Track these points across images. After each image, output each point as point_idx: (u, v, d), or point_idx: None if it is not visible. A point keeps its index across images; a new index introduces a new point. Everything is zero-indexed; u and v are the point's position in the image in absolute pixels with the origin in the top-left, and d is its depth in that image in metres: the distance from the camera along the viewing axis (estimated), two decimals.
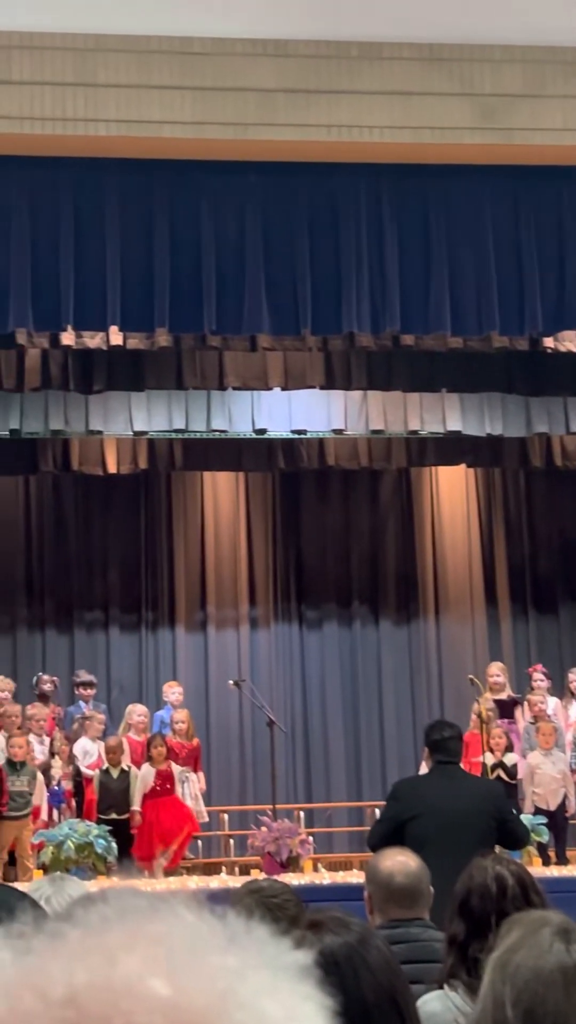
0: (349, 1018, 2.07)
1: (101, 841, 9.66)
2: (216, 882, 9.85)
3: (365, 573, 14.75)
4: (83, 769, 11.23)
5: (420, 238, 9.31)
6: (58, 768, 11.03)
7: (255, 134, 8.75)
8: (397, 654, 14.61)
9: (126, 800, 10.88)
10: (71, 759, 11.28)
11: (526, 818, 9.72)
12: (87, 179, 8.94)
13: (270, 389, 12.13)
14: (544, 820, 10.57)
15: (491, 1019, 1.51)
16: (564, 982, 1.64)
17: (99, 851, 9.58)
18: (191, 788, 11.37)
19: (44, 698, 12.07)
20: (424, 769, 9.50)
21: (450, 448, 13.71)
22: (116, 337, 10.32)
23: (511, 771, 11.00)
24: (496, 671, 12.35)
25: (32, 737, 11.12)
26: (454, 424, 12.95)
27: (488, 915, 3.25)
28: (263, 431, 12.86)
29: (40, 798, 10.66)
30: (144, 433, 12.77)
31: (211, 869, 11.29)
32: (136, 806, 10.82)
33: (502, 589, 14.83)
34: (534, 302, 9.41)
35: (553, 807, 10.91)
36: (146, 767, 10.95)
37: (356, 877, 9.14)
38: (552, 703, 11.96)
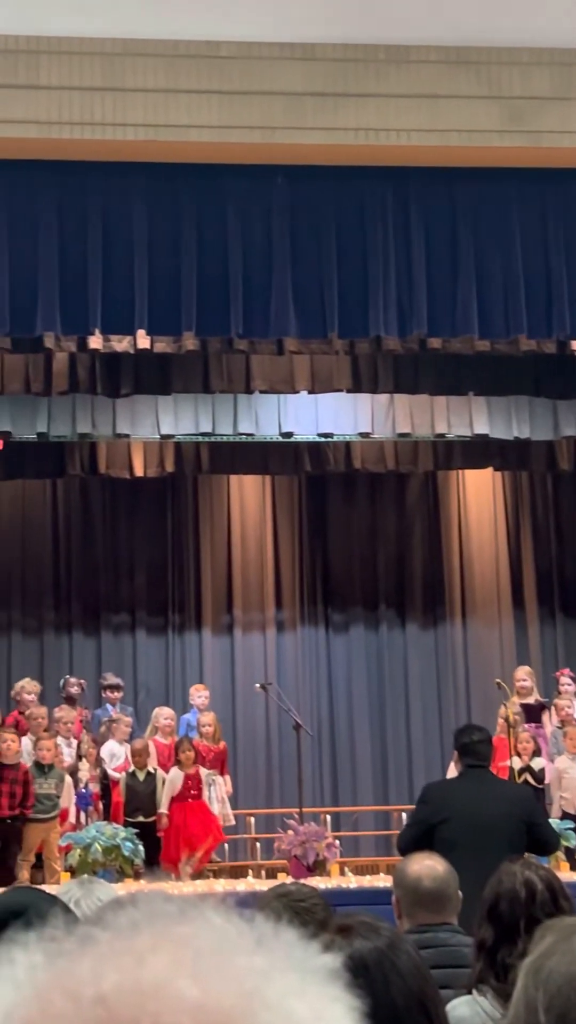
0: (378, 1023, 2.06)
1: (128, 844, 9.68)
2: (243, 885, 9.86)
3: (392, 576, 14.73)
4: (110, 772, 11.26)
5: (447, 241, 9.30)
6: (85, 771, 11.06)
7: (282, 138, 8.76)
8: (424, 658, 14.58)
9: (152, 803, 10.90)
10: (98, 762, 11.30)
11: (553, 823, 9.69)
12: (115, 183, 8.97)
13: (297, 392, 12.13)
14: (572, 825, 10.53)
15: None
16: None
17: (126, 854, 9.59)
18: (218, 791, 11.38)
19: (71, 701, 12.11)
20: (452, 773, 9.49)
21: (477, 451, 13.68)
22: (143, 341, 10.33)
23: (538, 775, 10.96)
24: (523, 675, 12.31)
25: (60, 740, 11.15)
26: (481, 427, 12.92)
27: (517, 920, 3.24)
28: (290, 434, 12.86)
29: (68, 801, 10.68)
30: (171, 436, 12.79)
31: (238, 872, 11.29)
32: (163, 809, 10.84)
33: (529, 592, 14.79)
34: (562, 305, 9.39)
35: None
36: (174, 771, 10.96)
37: (383, 881, 9.13)
38: None
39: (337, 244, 9.20)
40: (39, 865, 10.55)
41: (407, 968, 2.23)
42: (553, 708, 11.88)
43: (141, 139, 8.67)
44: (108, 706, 12.41)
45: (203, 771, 11.10)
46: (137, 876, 9.85)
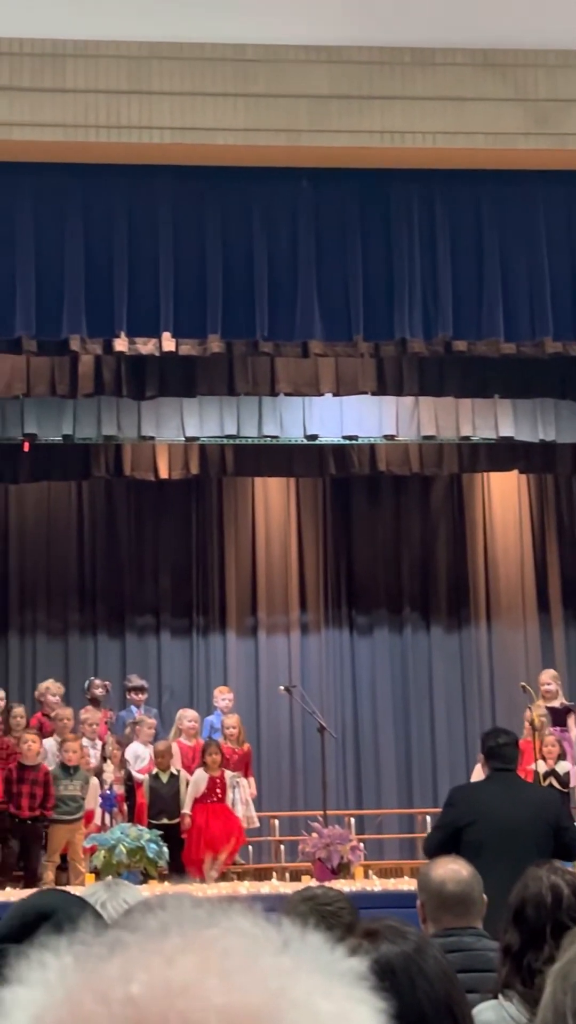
0: None
1: (153, 845, 9.69)
2: (267, 888, 9.86)
3: (416, 579, 14.71)
4: (134, 773, 11.28)
5: (473, 243, 9.29)
6: (110, 772, 11.08)
7: (308, 141, 8.77)
8: (448, 660, 14.56)
9: (176, 804, 10.91)
10: (123, 763, 11.33)
11: None
12: (141, 186, 8.99)
13: (322, 395, 12.13)
14: None
15: None
16: None
17: (151, 856, 9.61)
18: (242, 793, 11.38)
19: (95, 702, 12.13)
20: (477, 776, 9.48)
21: (502, 454, 13.65)
22: (169, 343, 10.35)
23: (563, 779, 10.93)
24: (548, 678, 12.28)
25: (85, 741, 11.18)
26: (506, 430, 12.90)
27: (543, 925, 3.23)
28: (314, 437, 12.86)
29: (92, 802, 10.71)
30: (196, 439, 12.81)
31: (262, 875, 11.29)
32: (187, 809, 10.85)
33: (554, 595, 14.74)
34: None
35: None
36: (199, 772, 10.97)
37: (407, 884, 9.12)
38: None
39: (362, 246, 9.19)
40: (64, 866, 10.58)
41: (434, 972, 2.23)
42: None
43: (167, 142, 8.69)
44: (132, 708, 12.43)
45: (228, 773, 11.10)
46: (162, 878, 9.86)
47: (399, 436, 13.02)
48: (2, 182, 8.85)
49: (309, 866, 10.31)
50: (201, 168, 8.96)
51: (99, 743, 11.41)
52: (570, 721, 11.88)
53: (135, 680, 12.75)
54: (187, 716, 11.88)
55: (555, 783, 10.71)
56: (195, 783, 10.92)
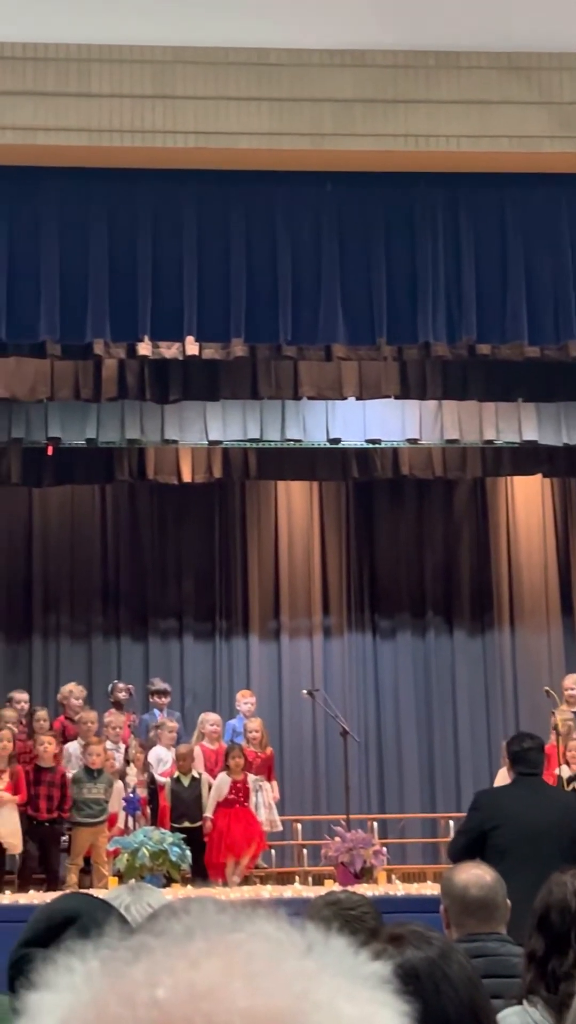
0: None
1: (175, 849, 9.69)
2: (290, 892, 9.85)
3: (439, 583, 14.69)
4: (157, 777, 11.29)
5: (497, 247, 9.27)
6: (133, 776, 11.09)
7: (332, 144, 8.77)
8: (471, 665, 14.53)
9: (198, 808, 10.92)
10: (145, 767, 11.34)
11: None
12: (164, 191, 9.00)
13: (345, 398, 12.13)
14: None
15: None
16: None
17: (173, 859, 9.61)
18: (265, 797, 11.38)
19: (119, 706, 12.15)
20: (500, 780, 9.46)
21: (526, 458, 13.62)
22: (192, 347, 10.38)
23: None
24: (572, 683, 12.22)
25: (109, 744, 11.20)
26: (530, 433, 12.88)
27: (567, 931, 3.21)
28: (337, 440, 12.87)
29: (116, 805, 10.72)
30: (219, 442, 12.83)
31: (284, 878, 11.29)
32: (209, 813, 10.85)
33: None
34: None
35: None
36: (222, 776, 10.98)
37: (430, 889, 9.10)
38: None
39: (386, 250, 9.18)
40: (87, 869, 10.60)
41: (459, 978, 2.22)
42: None
43: (191, 146, 8.70)
44: (155, 711, 12.44)
45: (250, 777, 11.11)
46: (184, 881, 9.87)
47: (422, 440, 13.01)
48: (27, 187, 8.88)
49: (332, 870, 10.30)
50: (225, 172, 8.97)
51: (122, 746, 11.43)
52: None
53: (158, 684, 12.76)
54: (209, 720, 11.88)
55: None
56: (218, 787, 10.93)
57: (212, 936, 0.75)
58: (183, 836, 10.07)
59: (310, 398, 12.09)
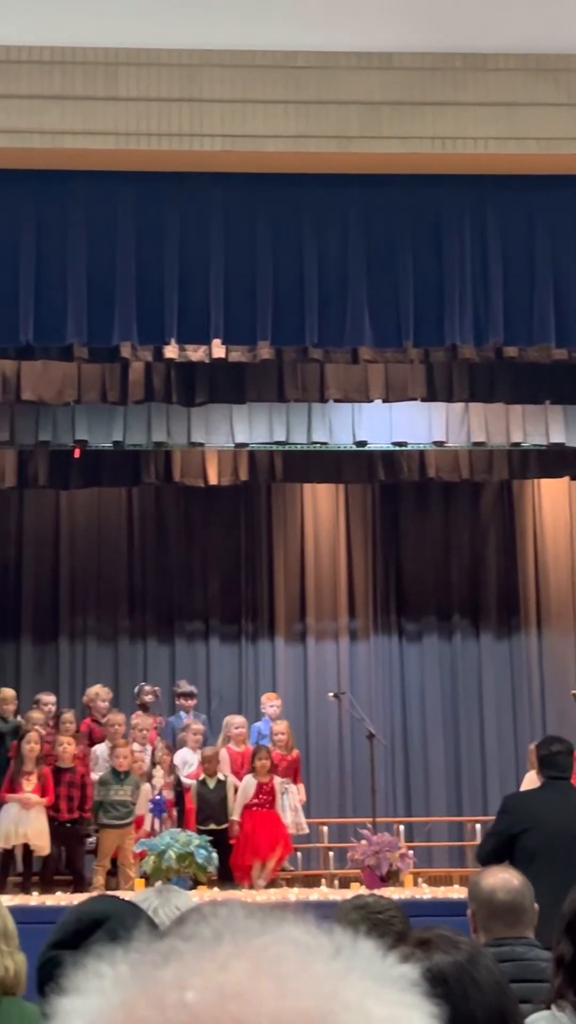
0: None
1: (202, 851, 9.70)
2: (316, 895, 9.85)
3: (465, 586, 14.67)
4: (183, 779, 11.30)
5: (524, 249, 9.25)
6: (159, 778, 11.11)
7: (359, 147, 8.76)
8: (498, 668, 14.49)
9: (223, 810, 10.92)
10: (172, 769, 11.36)
11: None
12: (191, 194, 9.01)
13: (371, 401, 12.13)
14: None
15: None
16: None
17: (200, 861, 9.61)
18: (291, 800, 11.38)
19: (145, 708, 12.17)
20: (527, 784, 9.43)
21: (553, 460, 13.57)
22: (219, 350, 10.39)
23: None
24: None
25: (136, 746, 11.22)
26: (557, 436, 12.84)
27: None
28: (363, 443, 12.86)
29: (143, 807, 10.74)
30: (245, 445, 12.84)
31: (311, 881, 11.29)
32: (235, 816, 10.86)
33: None
34: None
35: None
36: (248, 778, 10.98)
37: (456, 893, 9.08)
38: None
39: (413, 252, 9.17)
40: (113, 871, 10.62)
41: (487, 982, 2.21)
42: None
43: (218, 149, 8.71)
44: (181, 714, 12.46)
45: (277, 780, 11.10)
46: (210, 883, 9.88)
47: (449, 442, 12.99)
48: (54, 190, 8.91)
49: (358, 873, 10.29)
50: (252, 175, 8.97)
51: (149, 748, 11.45)
52: None
53: (184, 686, 12.78)
54: (234, 723, 11.89)
55: None
56: (244, 789, 10.93)
57: (241, 939, 0.75)
58: (209, 838, 10.08)
59: (336, 400, 12.09)
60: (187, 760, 11.46)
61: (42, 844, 10.41)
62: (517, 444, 13.03)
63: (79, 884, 10.48)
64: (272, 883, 10.52)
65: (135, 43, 8.54)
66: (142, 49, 8.59)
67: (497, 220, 9.24)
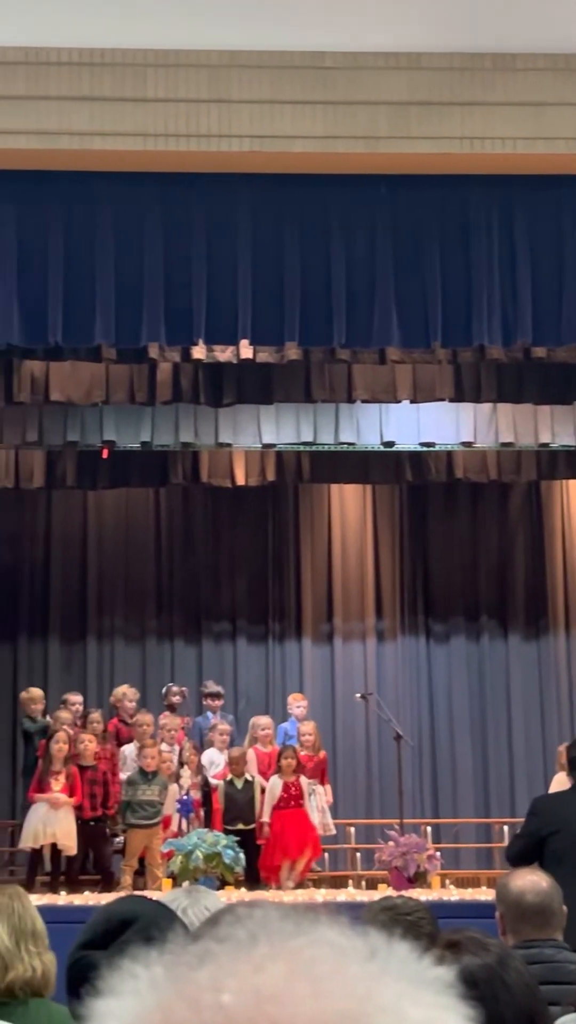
0: None
1: (229, 851, 9.71)
2: (343, 896, 9.84)
3: (493, 587, 14.63)
4: (210, 779, 11.32)
5: (553, 249, 9.22)
6: (187, 778, 11.13)
7: (387, 147, 8.75)
8: (526, 669, 14.45)
9: (251, 810, 10.93)
10: (199, 769, 11.37)
11: None
12: (219, 194, 9.02)
13: (399, 402, 12.11)
14: None
15: None
16: None
17: (227, 861, 9.63)
18: (318, 800, 11.38)
19: (173, 708, 12.19)
20: (555, 786, 9.40)
21: None
22: (246, 351, 10.39)
23: None
24: None
25: (164, 746, 11.24)
26: None
27: None
28: (391, 443, 12.84)
29: (170, 807, 10.76)
30: (273, 445, 12.84)
31: (338, 882, 11.28)
32: (265, 818, 10.86)
33: None
34: None
35: None
36: (274, 779, 10.98)
37: (484, 894, 9.06)
38: None
39: (441, 253, 9.15)
40: (141, 871, 10.65)
41: (517, 985, 2.21)
42: None
43: (246, 150, 8.72)
44: (209, 714, 12.47)
45: (304, 780, 11.10)
46: (238, 884, 9.89)
47: (477, 443, 12.96)
48: (83, 191, 8.93)
49: (385, 874, 10.28)
50: (280, 176, 8.97)
51: (177, 748, 11.47)
52: None
53: (211, 686, 12.79)
54: (260, 724, 11.90)
55: None
56: (271, 790, 10.93)
57: (276, 941, 0.76)
58: (236, 839, 10.09)
59: (364, 401, 12.08)
60: (214, 760, 11.48)
61: (70, 844, 10.44)
62: (545, 445, 12.99)
63: (108, 884, 10.50)
64: (299, 884, 10.52)
65: (163, 44, 8.56)
66: (170, 50, 8.61)
67: (525, 220, 9.21)
